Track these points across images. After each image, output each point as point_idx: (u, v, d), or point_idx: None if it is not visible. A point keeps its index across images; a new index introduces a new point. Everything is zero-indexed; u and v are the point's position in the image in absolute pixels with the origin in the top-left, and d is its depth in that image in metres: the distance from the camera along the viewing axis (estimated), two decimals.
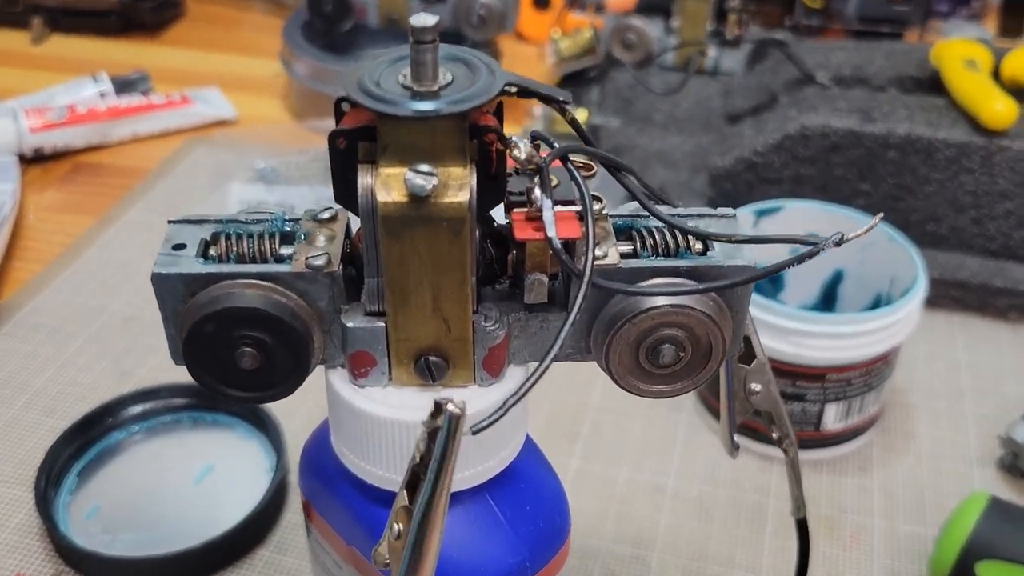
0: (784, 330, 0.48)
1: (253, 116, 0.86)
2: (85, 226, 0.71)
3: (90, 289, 0.65)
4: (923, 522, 0.50)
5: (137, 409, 0.53)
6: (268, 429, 0.52)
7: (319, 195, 0.71)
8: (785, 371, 0.50)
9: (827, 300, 0.57)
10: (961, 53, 0.68)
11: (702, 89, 0.81)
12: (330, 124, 0.83)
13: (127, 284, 0.65)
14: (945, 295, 0.62)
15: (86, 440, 0.51)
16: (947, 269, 0.62)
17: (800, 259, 0.28)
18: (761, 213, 0.55)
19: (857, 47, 0.76)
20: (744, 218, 0.54)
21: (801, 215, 0.55)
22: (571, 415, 0.56)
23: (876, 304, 0.55)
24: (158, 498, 0.49)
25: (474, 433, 0.26)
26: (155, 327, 0.62)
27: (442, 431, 0.25)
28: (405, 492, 0.26)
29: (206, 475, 0.50)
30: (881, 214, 0.28)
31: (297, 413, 0.52)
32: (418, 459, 0.26)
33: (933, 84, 0.69)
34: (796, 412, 0.51)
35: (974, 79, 0.64)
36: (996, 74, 0.68)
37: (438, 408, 0.25)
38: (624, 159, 0.75)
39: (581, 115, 0.74)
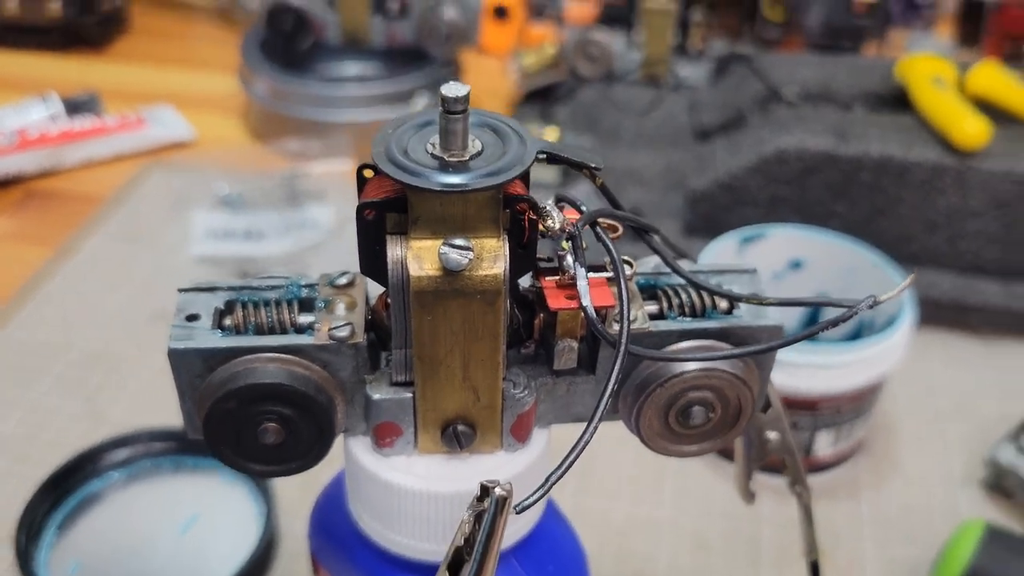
0: (777, 361, 0.48)
1: (211, 136, 0.84)
2: (43, 257, 0.69)
3: (53, 325, 0.63)
4: (914, 545, 0.50)
5: (116, 456, 0.51)
6: None
7: (288, 221, 0.69)
8: None
9: (811, 324, 0.58)
10: (927, 71, 0.69)
11: (668, 104, 0.81)
12: (293, 145, 0.81)
13: (93, 318, 0.63)
14: (920, 313, 0.63)
15: (64, 490, 0.50)
16: (921, 287, 0.63)
17: (835, 322, 0.28)
18: (746, 240, 0.55)
19: (820, 61, 0.77)
20: (728, 245, 0.54)
21: (785, 241, 0.55)
22: (564, 449, 0.55)
23: (860, 329, 0.55)
24: (142, 550, 0.48)
25: (518, 512, 0.25)
26: (126, 363, 0.60)
27: (489, 512, 0.25)
28: (447, 573, 0.25)
29: (192, 524, 0.49)
30: (913, 275, 0.28)
31: None
32: (462, 541, 0.25)
33: (899, 101, 0.69)
34: None
35: (943, 98, 0.65)
36: (961, 89, 0.68)
37: (484, 491, 0.25)
38: (597, 178, 0.74)
39: (552, 134, 0.73)
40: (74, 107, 0.83)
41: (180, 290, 0.30)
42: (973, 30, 0.85)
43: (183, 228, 0.70)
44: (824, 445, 0.51)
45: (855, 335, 0.56)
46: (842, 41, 0.87)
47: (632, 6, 0.86)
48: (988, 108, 0.67)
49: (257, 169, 0.77)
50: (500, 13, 0.87)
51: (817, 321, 0.58)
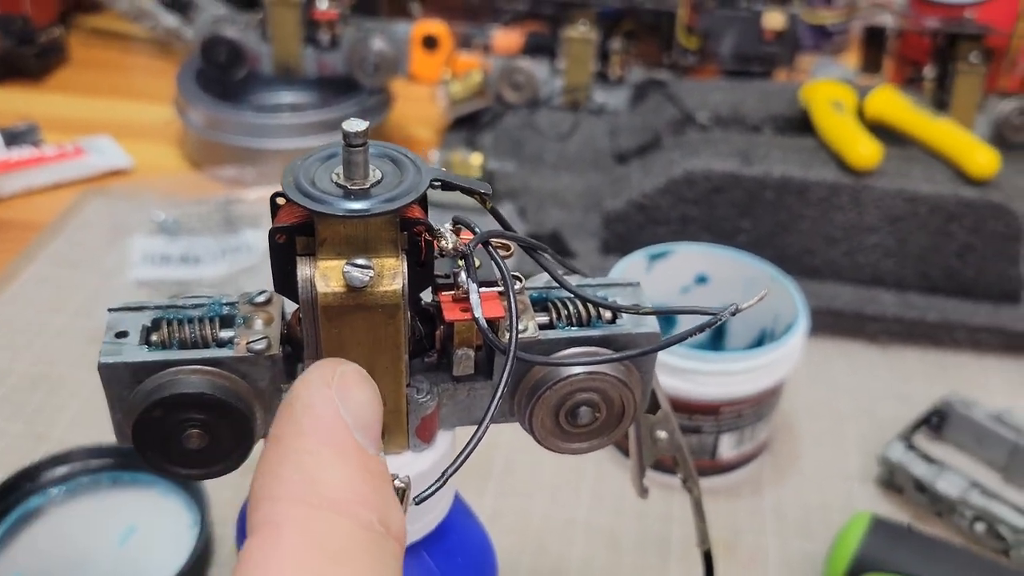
0: (680, 369, 0.52)
1: (149, 164, 0.86)
2: None
3: None
4: (813, 539, 0.54)
5: (55, 472, 0.53)
6: (189, 485, 0.53)
7: (223, 245, 0.72)
8: (682, 406, 0.53)
9: (717, 335, 0.61)
10: (827, 95, 0.73)
11: (589, 128, 0.85)
12: (229, 172, 0.84)
13: (34, 342, 0.65)
14: (822, 323, 0.67)
15: (3, 508, 0.51)
16: (823, 299, 0.67)
17: (701, 328, 0.31)
18: (654, 257, 0.58)
19: (732, 87, 0.81)
20: (638, 262, 0.58)
21: (691, 258, 0.59)
22: (484, 453, 0.58)
23: (762, 338, 0.59)
24: (82, 563, 0.50)
25: (418, 503, 0.28)
26: (67, 385, 0.62)
27: None
28: None
29: (129, 536, 0.51)
30: (765, 291, 0.32)
31: None
32: None
33: (803, 123, 0.74)
34: (693, 444, 0.55)
35: (840, 122, 0.69)
36: (860, 112, 0.73)
37: None
38: (520, 201, 0.78)
39: (476, 160, 0.76)
40: (12, 137, 0.84)
41: (110, 309, 0.32)
42: (876, 56, 0.90)
43: (121, 254, 0.72)
44: (728, 447, 0.55)
45: (758, 344, 0.60)
46: (753, 67, 0.92)
47: (556, 36, 0.90)
48: (885, 130, 0.72)
49: (194, 196, 0.79)
50: (429, 43, 0.91)
51: (725, 333, 0.61)
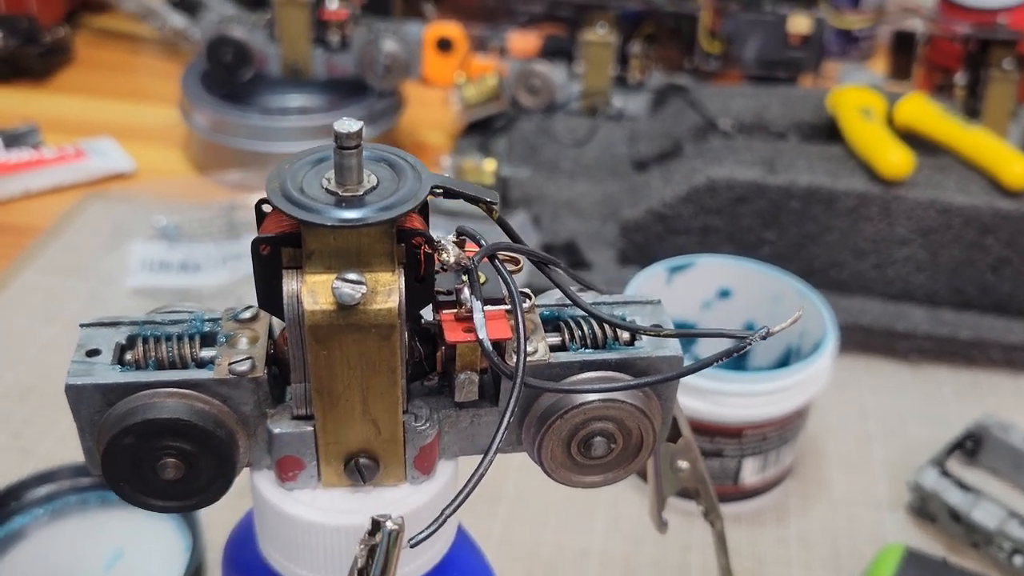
0: (701, 390, 0.49)
1: (152, 168, 0.84)
2: None
3: None
4: (840, 571, 0.51)
5: (41, 491, 0.51)
6: None
7: (225, 252, 0.69)
8: (703, 429, 0.50)
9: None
10: (856, 102, 0.70)
11: (607, 135, 0.82)
12: (233, 176, 0.81)
13: (25, 352, 0.63)
14: (849, 339, 0.64)
15: None
16: (850, 314, 0.64)
17: (728, 354, 0.28)
18: (674, 269, 0.55)
19: (756, 92, 0.78)
20: (657, 275, 0.55)
21: (712, 270, 0.56)
22: (493, 477, 0.55)
23: (787, 356, 0.56)
24: None
25: (412, 546, 0.25)
26: (56, 399, 0.59)
27: (381, 547, 0.25)
28: None
29: (116, 560, 0.48)
30: (800, 312, 0.29)
31: None
32: (356, 575, 0.25)
33: (830, 131, 0.71)
34: (715, 468, 0.52)
35: (870, 129, 0.66)
36: (890, 120, 0.70)
37: (376, 525, 0.25)
38: (534, 209, 0.75)
39: (489, 166, 0.74)
40: (11, 139, 0.82)
41: (82, 325, 0.30)
42: (905, 62, 0.87)
43: (120, 260, 0.70)
44: (751, 472, 0.52)
45: (784, 363, 0.57)
46: (778, 72, 0.89)
47: (574, 38, 0.87)
48: (915, 139, 0.68)
49: (197, 200, 0.77)
50: (444, 45, 0.88)
51: (749, 351, 0.58)
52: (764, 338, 0.28)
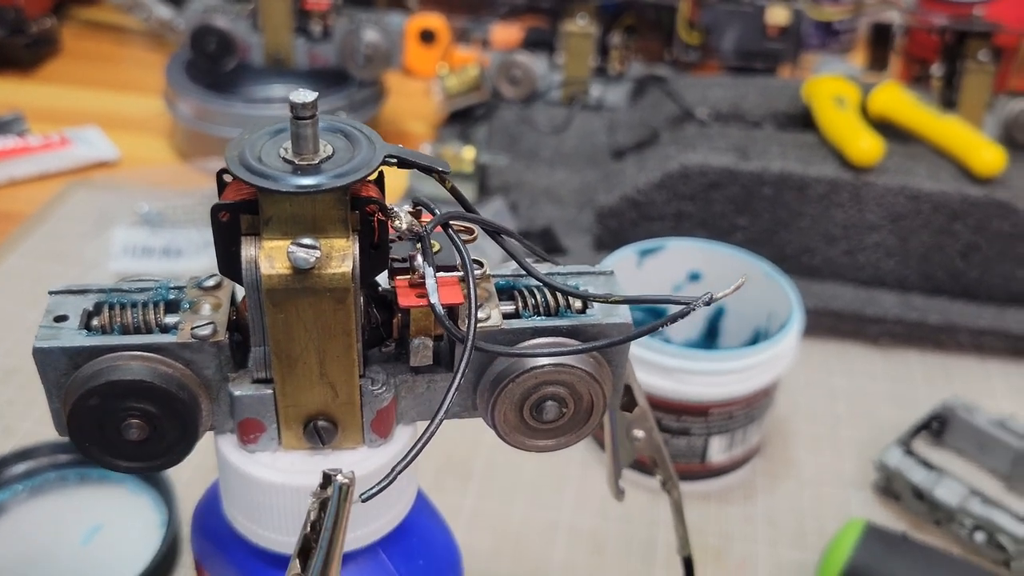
0: (667, 368, 0.50)
1: (136, 156, 0.85)
2: None
3: None
4: (805, 548, 0.52)
5: (20, 468, 0.52)
6: (158, 483, 0.51)
7: (206, 238, 0.70)
8: (670, 407, 0.51)
9: (710, 334, 0.59)
10: (830, 91, 0.71)
11: (587, 124, 0.83)
12: (217, 163, 0.82)
13: (8, 335, 0.64)
14: (820, 324, 0.65)
15: None
16: (821, 299, 0.65)
17: (673, 318, 0.29)
18: (644, 252, 0.56)
19: (733, 83, 0.79)
20: (628, 258, 0.56)
21: (682, 253, 0.57)
22: (465, 454, 0.56)
23: (756, 337, 0.57)
24: (45, 561, 0.48)
25: (364, 500, 0.26)
26: (39, 380, 0.60)
27: (332, 501, 0.26)
28: (297, 560, 0.26)
29: (94, 534, 0.49)
30: (743, 279, 0.30)
31: (188, 464, 0.52)
32: (309, 528, 0.26)
33: (805, 120, 0.72)
34: (682, 446, 0.53)
35: (842, 117, 0.67)
36: (864, 109, 0.71)
37: (327, 479, 0.26)
38: (512, 196, 0.76)
39: (468, 153, 0.75)
40: None
41: (51, 292, 0.30)
42: (883, 54, 0.88)
43: (103, 246, 0.71)
44: (718, 450, 0.53)
45: (753, 343, 0.58)
46: (756, 64, 0.90)
47: (555, 30, 0.88)
48: (889, 128, 0.69)
49: (180, 188, 0.77)
50: (426, 37, 0.89)
51: (718, 332, 0.59)
52: (708, 303, 0.29)
